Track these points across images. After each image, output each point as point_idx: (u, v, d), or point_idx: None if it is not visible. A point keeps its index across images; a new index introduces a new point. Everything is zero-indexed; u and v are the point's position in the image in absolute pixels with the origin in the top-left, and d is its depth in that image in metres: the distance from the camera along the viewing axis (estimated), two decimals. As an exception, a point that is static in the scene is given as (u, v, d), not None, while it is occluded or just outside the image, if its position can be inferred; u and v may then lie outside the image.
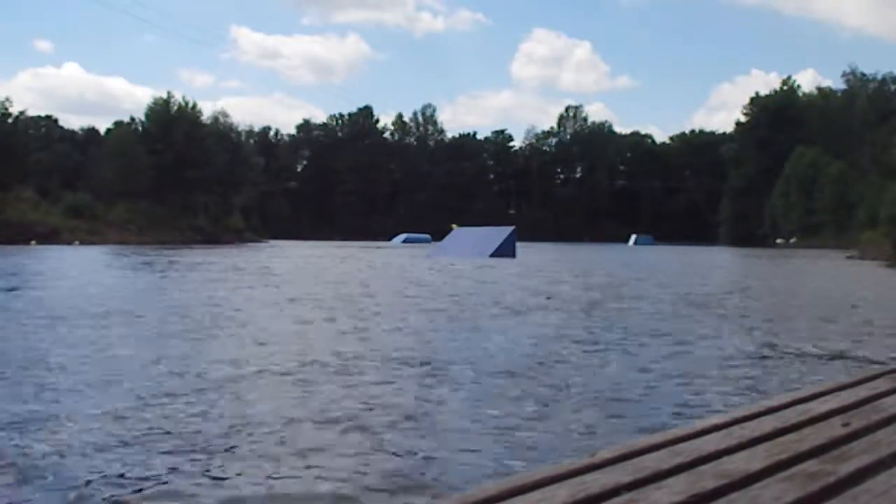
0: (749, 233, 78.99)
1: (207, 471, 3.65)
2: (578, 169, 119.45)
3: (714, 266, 31.34)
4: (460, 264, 27.07)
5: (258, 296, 13.92)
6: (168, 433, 4.28)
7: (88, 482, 3.48)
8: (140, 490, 3.41)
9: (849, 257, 39.65)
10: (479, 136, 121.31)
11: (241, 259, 31.17)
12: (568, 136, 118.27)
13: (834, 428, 2.38)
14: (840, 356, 7.32)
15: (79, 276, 19.16)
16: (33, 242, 44.59)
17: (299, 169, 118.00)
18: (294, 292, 14.38)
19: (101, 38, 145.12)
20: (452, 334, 8.80)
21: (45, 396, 5.18)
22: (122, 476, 3.58)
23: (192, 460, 3.80)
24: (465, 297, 13.90)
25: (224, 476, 3.59)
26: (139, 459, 3.81)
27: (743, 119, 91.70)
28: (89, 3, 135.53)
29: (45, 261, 26.17)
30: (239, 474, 3.61)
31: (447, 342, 8.10)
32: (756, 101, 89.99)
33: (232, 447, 4.03)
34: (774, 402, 2.84)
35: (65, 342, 7.66)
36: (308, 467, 3.69)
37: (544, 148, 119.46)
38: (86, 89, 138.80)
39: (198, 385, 5.58)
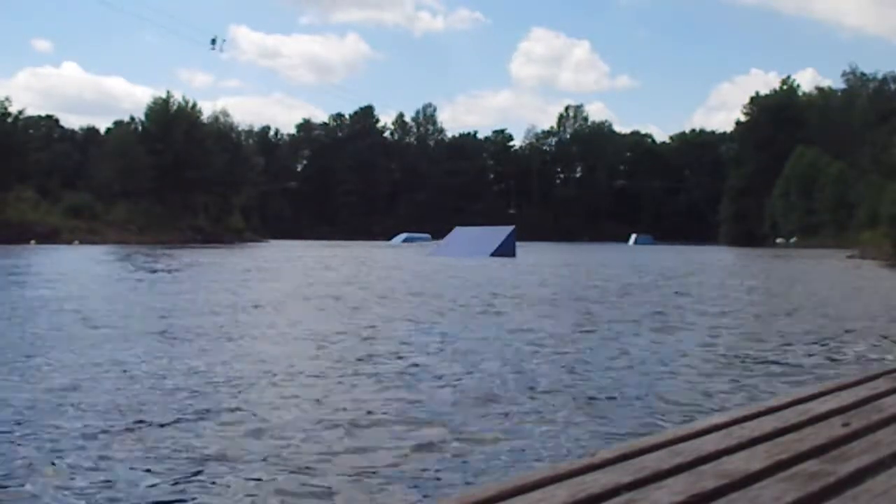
0: (749, 232, 78.86)
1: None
2: (578, 169, 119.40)
3: (717, 267, 31.30)
4: (462, 263, 27.08)
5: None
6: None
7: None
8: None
9: (849, 257, 39.62)
10: (479, 136, 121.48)
11: (256, 260, 31.15)
12: (568, 136, 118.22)
13: (834, 428, 2.37)
14: None
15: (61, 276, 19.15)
16: (32, 242, 44.59)
17: (299, 169, 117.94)
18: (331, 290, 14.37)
19: (99, 37, 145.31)
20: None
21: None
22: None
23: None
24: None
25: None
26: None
27: (743, 119, 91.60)
28: (87, 2, 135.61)
29: (40, 260, 26.17)
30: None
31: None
32: (756, 100, 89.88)
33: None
34: (774, 402, 2.84)
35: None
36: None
37: (544, 148, 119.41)
38: (85, 89, 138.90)
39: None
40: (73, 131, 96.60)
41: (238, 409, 4.96)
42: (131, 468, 3.70)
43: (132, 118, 71.39)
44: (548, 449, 4.04)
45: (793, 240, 71.93)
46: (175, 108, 68.88)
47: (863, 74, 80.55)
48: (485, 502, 1.74)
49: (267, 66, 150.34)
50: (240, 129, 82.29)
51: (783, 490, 1.81)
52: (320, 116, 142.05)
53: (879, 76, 79.72)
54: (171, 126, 66.18)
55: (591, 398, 5.33)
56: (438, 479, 3.58)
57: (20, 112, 59.41)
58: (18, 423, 4.45)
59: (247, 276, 20.28)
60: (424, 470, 3.71)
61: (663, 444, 2.18)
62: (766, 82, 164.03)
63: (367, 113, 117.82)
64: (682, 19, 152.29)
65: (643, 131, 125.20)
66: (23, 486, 3.46)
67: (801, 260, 37.81)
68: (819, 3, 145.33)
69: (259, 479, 3.56)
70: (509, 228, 37.59)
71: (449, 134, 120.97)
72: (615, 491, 1.79)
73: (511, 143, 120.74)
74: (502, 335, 8.63)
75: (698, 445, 2.17)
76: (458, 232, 41.06)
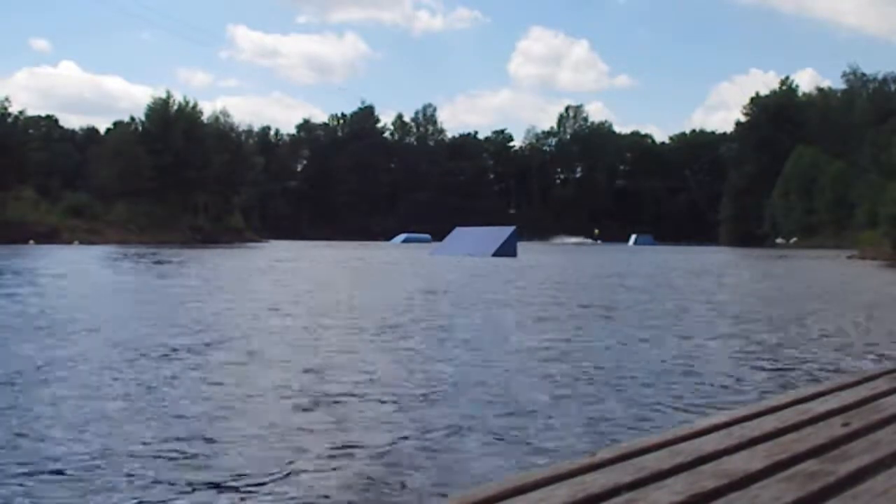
0: (749, 233, 78.90)
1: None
2: (578, 169, 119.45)
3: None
4: (469, 264, 27.09)
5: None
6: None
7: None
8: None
9: (849, 257, 39.65)
10: (479, 136, 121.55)
11: (250, 261, 31.09)
12: (568, 136, 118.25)
13: (834, 428, 2.37)
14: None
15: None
16: (31, 242, 44.57)
17: (299, 169, 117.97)
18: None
19: (97, 36, 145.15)
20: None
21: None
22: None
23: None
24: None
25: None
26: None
27: (743, 119, 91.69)
28: (84, 1, 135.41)
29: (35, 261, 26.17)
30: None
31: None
32: (756, 100, 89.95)
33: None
34: (774, 401, 2.84)
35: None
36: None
37: (544, 148, 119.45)
38: (83, 88, 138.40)
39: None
40: (72, 131, 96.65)
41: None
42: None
43: (132, 118, 71.43)
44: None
45: (793, 240, 71.96)
46: (175, 108, 68.87)
47: (863, 75, 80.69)
48: (485, 502, 1.74)
49: (265, 65, 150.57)
50: (240, 129, 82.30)
51: (783, 490, 1.81)
52: (320, 116, 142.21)
53: (880, 76, 79.92)
54: (171, 126, 66.16)
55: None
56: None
57: (20, 112, 59.50)
58: None
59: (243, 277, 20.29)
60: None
61: (663, 444, 2.18)
62: (765, 82, 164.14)
63: (367, 113, 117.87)
64: (681, 19, 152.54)
65: (643, 131, 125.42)
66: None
67: (807, 261, 37.67)
68: (818, 3, 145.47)
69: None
70: (510, 228, 37.64)
71: (449, 134, 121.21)
72: (615, 491, 1.79)
73: (511, 144, 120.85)
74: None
75: (698, 445, 2.17)
76: (459, 232, 41.10)
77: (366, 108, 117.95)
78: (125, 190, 60.35)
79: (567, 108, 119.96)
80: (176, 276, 19.30)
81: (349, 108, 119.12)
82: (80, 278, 18.06)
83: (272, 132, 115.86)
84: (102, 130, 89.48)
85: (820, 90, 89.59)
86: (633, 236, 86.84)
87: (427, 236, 77.29)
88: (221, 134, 73.05)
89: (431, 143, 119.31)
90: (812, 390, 3.08)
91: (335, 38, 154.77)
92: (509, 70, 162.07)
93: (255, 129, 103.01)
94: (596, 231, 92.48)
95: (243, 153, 77.67)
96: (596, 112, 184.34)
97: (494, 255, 33.85)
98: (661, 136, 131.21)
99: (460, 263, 27.34)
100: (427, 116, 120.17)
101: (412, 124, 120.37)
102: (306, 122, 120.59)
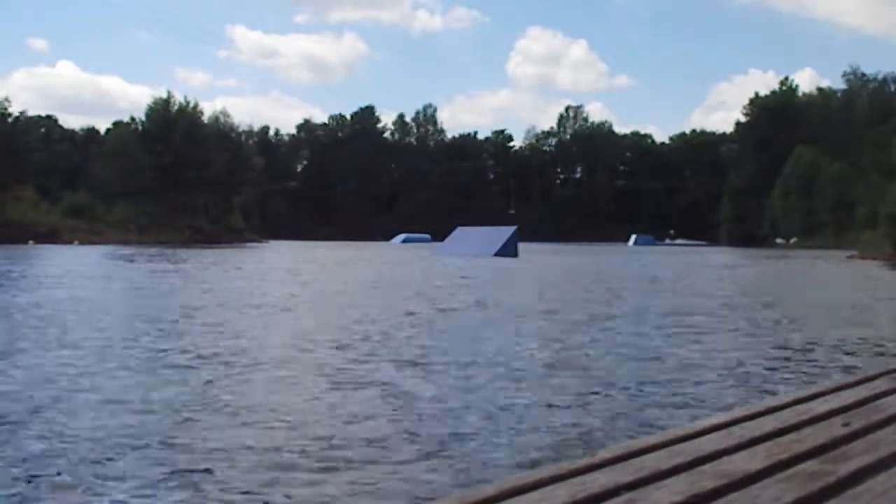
0: (749, 233, 78.90)
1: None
2: (578, 169, 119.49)
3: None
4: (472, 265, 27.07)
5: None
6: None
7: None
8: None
9: (849, 257, 39.61)
10: (479, 137, 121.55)
11: (249, 263, 31.03)
12: (568, 136, 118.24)
13: (834, 428, 2.37)
14: None
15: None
16: (31, 242, 44.56)
17: (299, 169, 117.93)
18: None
19: (95, 36, 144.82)
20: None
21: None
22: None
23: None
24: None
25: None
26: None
27: (743, 119, 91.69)
28: (83, 0, 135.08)
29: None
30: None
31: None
32: (756, 101, 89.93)
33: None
34: (774, 402, 2.84)
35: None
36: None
37: (544, 148, 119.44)
38: (81, 88, 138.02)
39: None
40: (72, 131, 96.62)
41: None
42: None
43: (132, 118, 71.40)
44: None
45: (793, 240, 71.92)
46: (176, 108, 68.83)
47: (863, 75, 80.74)
48: (485, 502, 1.74)
49: (264, 65, 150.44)
50: (240, 129, 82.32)
51: (783, 490, 1.81)
52: (319, 116, 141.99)
53: (880, 77, 79.98)
54: (171, 126, 66.10)
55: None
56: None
57: (21, 112, 59.57)
58: None
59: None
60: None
61: (663, 444, 2.18)
62: (764, 82, 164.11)
63: (367, 113, 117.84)
64: (680, 19, 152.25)
65: (643, 131, 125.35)
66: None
67: (812, 262, 37.52)
68: (817, 3, 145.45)
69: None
70: (511, 229, 37.67)
71: (449, 134, 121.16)
72: (615, 491, 1.80)
73: (511, 144, 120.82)
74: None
75: (698, 445, 2.17)
76: (461, 232, 41.12)
77: (366, 108, 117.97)
78: (125, 190, 60.32)
79: (567, 109, 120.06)
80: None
81: (349, 109, 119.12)
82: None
83: (272, 132, 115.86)
84: (102, 130, 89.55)
85: (820, 90, 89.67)
86: (634, 236, 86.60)
87: (427, 236, 77.27)
88: (221, 134, 73.04)
89: (431, 143, 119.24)
90: (812, 390, 3.08)
91: (334, 37, 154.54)
92: (508, 70, 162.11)
93: (255, 129, 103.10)
94: (671, 231, 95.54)
95: (243, 153, 77.63)
96: (596, 112, 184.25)
97: (496, 255, 33.89)
98: (661, 136, 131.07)
99: (501, 267, 27.14)
100: (427, 116, 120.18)
101: (412, 124, 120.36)
102: (306, 122, 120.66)
